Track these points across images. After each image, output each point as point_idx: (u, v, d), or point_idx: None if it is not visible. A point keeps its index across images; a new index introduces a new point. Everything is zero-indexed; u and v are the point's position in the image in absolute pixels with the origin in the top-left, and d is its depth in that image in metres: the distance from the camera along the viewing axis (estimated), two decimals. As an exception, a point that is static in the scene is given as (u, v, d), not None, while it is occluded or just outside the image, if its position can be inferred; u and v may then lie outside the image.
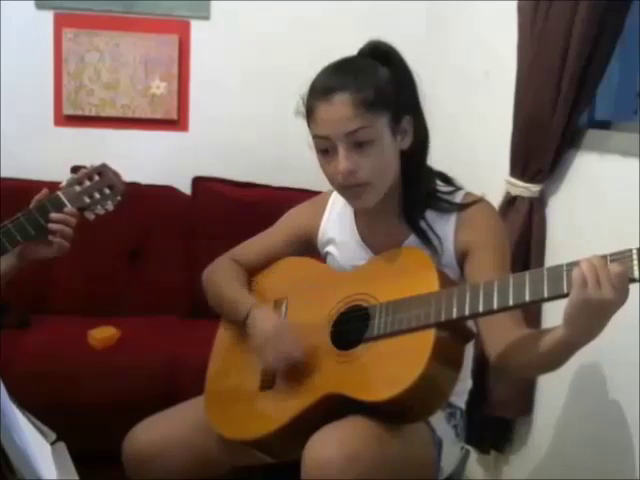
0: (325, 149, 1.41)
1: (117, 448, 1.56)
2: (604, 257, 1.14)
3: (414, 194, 1.47)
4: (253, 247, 1.68)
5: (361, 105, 1.37)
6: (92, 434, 2.06)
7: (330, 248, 1.61)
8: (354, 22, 2.81)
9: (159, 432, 1.53)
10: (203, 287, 1.67)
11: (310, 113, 1.42)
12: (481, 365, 1.95)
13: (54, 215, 1.52)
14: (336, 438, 1.28)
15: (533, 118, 1.92)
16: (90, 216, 1.58)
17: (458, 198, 1.49)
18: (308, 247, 1.65)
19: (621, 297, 1.12)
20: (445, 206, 1.47)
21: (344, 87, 1.37)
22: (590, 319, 1.16)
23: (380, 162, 1.41)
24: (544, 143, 1.90)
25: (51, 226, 1.51)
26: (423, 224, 1.47)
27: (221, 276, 1.64)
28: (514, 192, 2.02)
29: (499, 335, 1.36)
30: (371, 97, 1.38)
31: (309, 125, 1.44)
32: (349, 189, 1.43)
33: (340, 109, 1.37)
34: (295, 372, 1.44)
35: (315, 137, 1.42)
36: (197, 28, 2.82)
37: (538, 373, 1.46)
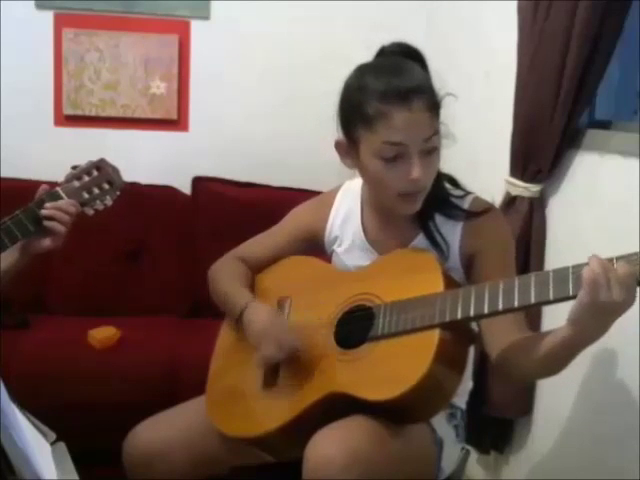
0: (394, 156, 1.35)
1: (117, 448, 1.55)
2: (611, 259, 1.14)
3: (431, 194, 1.45)
4: (259, 246, 1.68)
5: (434, 109, 1.35)
6: (92, 434, 2.05)
7: (336, 247, 1.61)
8: (354, 23, 2.81)
9: (160, 432, 1.53)
10: (208, 283, 1.66)
11: (381, 119, 1.33)
12: (481, 365, 1.95)
13: (48, 203, 1.51)
14: (338, 437, 1.28)
15: (533, 118, 1.92)
16: (89, 211, 1.58)
17: (467, 203, 1.48)
18: (314, 246, 1.64)
19: (630, 299, 1.12)
20: (454, 213, 1.47)
21: (420, 91, 1.33)
22: (597, 320, 1.15)
23: (437, 169, 1.41)
24: (544, 143, 1.90)
25: (44, 212, 1.49)
26: (432, 225, 1.47)
27: (223, 274, 1.64)
28: (514, 192, 2.02)
29: (500, 336, 1.36)
30: (438, 100, 1.37)
31: (375, 131, 1.35)
32: (409, 195, 1.39)
33: (419, 115, 1.33)
34: (298, 368, 1.44)
35: (386, 143, 1.34)
36: (197, 28, 2.82)
37: (539, 376, 1.44)
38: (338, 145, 1.46)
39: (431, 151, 1.37)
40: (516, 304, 1.23)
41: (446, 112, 1.41)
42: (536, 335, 1.33)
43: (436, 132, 1.36)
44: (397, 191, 1.38)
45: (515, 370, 1.40)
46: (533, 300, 1.20)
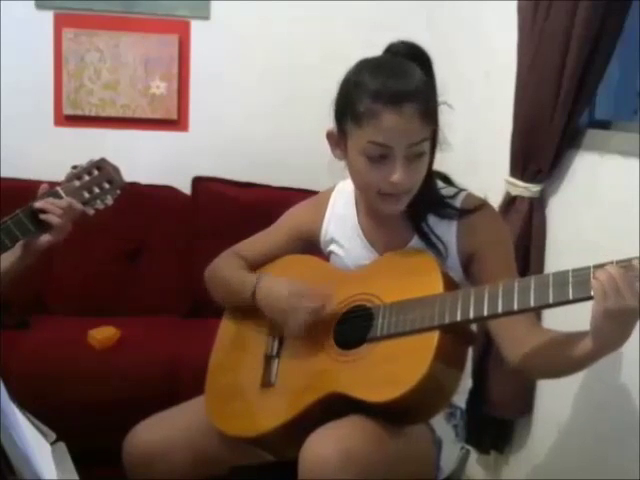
0: (378, 156, 1.35)
1: (117, 448, 1.55)
2: (619, 264, 1.14)
3: (421, 196, 1.45)
4: (256, 244, 1.67)
5: (427, 116, 1.34)
6: (92, 434, 2.06)
7: (333, 247, 1.60)
8: (355, 23, 2.81)
9: (160, 432, 1.53)
10: (206, 281, 1.66)
11: (370, 118, 1.33)
12: (480, 365, 1.95)
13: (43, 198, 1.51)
14: (334, 437, 1.28)
15: (533, 118, 1.92)
16: (90, 211, 1.57)
17: (459, 201, 1.48)
18: (310, 246, 1.64)
19: None
20: (447, 212, 1.46)
21: (414, 96, 1.32)
22: (617, 327, 1.16)
23: (423, 173, 1.41)
24: (544, 143, 1.91)
25: (36, 204, 1.49)
26: (425, 227, 1.47)
27: (225, 265, 1.64)
28: (514, 192, 2.02)
29: (520, 342, 1.36)
30: (433, 107, 1.37)
31: (363, 128, 1.35)
32: (390, 196, 1.40)
33: (409, 120, 1.32)
34: (297, 368, 1.44)
35: (371, 142, 1.34)
36: (197, 28, 2.82)
37: (559, 377, 1.47)
38: (329, 135, 1.47)
39: (419, 156, 1.36)
40: (515, 307, 1.22)
41: (443, 118, 1.41)
42: (559, 340, 1.32)
43: (425, 138, 1.36)
44: (377, 190, 1.39)
45: (536, 374, 1.48)
46: (533, 303, 1.20)
